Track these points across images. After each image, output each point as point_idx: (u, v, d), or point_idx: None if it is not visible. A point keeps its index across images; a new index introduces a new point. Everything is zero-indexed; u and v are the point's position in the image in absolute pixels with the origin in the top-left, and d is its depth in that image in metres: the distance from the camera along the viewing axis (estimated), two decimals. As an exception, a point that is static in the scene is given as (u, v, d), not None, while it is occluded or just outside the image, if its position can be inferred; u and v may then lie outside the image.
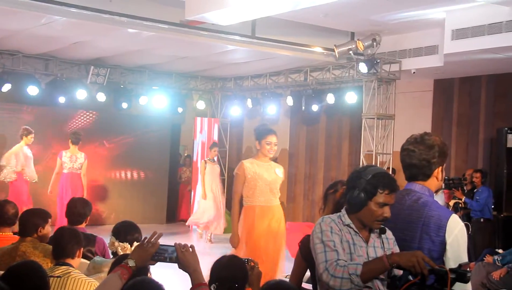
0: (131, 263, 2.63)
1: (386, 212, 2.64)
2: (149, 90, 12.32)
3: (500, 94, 9.67)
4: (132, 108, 12.33)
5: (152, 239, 2.66)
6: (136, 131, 13.08)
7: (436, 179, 2.95)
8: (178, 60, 10.91)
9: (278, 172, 5.86)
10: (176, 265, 2.67)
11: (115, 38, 9.10)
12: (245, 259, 3.09)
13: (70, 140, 10.11)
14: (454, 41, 8.10)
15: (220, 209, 11.38)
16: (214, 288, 2.79)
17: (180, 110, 12.96)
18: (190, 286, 2.65)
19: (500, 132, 8.73)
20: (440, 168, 2.95)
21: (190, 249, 2.67)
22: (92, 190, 11.94)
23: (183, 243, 2.68)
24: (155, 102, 12.31)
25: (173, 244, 2.67)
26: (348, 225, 2.68)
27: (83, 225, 4.73)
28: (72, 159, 9.99)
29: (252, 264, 3.02)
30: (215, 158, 11.63)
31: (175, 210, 13.92)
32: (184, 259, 2.63)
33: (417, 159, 2.90)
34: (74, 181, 9.95)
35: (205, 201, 11.19)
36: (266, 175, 5.74)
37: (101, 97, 11.62)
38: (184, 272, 2.67)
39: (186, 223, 11.85)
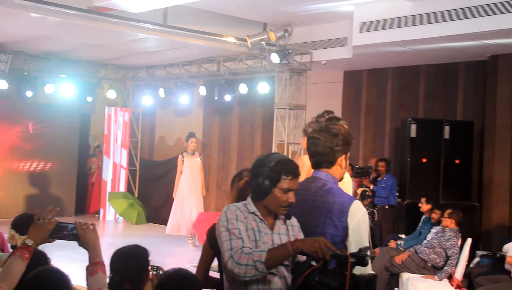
0: (29, 242, 2.52)
1: (291, 197, 2.67)
2: (56, 78, 11.87)
3: (404, 86, 10.07)
4: (38, 97, 11.83)
5: (49, 216, 2.58)
6: (43, 121, 12.57)
7: (340, 167, 3.02)
8: (87, 47, 10.57)
9: None
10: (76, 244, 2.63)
11: (18, 23, 8.66)
12: (155, 266, 3.04)
13: None
14: (362, 33, 8.34)
15: (200, 206, 10.14)
16: (109, 277, 2.73)
17: (89, 99, 12.60)
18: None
19: (405, 122, 9.08)
20: (344, 156, 3.01)
21: (91, 227, 2.63)
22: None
23: (83, 221, 2.64)
24: (63, 91, 11.87)
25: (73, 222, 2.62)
26: (253, 213, 2.68)
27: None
28: None
29: (161, 272, 2.98)
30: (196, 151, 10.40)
31: (84, 202, 13.54)
32: (84, 236, 2.60)
33: (322, 146, 2.96)
34: None
35: (184, 200, 10.02)
36: None
37: (2, 84, 11.08)
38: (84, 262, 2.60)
39: (167, 232, 10.24)
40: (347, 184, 4.23)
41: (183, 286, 2.58)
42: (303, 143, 5.19)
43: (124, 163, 13.16)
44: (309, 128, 5.29)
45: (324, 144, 2.95)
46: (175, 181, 10.21)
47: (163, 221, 12.40)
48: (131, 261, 2.87)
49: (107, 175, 12.92)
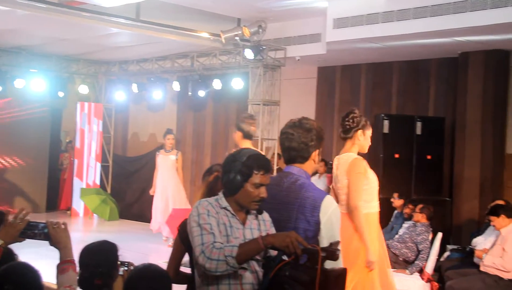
0: None
1: (263, 192, 2.67)
2: (27, 73, 11.66)
3: (377, 82, 10.15)
4: (7, 92, 11.62)
5: (20, 215, 2.56)
6: (13, 116, 12.36)
7: (313, 162, 3.04)
8: (58, 41, 10.41)
9: None
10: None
11: (-14, 16, 8.49)
12: (125, 262, 3.02)
13: None
14: (336, 29, 8.38)
15: (170, 205, 9.68)
16: (79, 274, 2.72)
17: (61, 94, 12.42)
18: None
19: (378, 118, 9.14)
20: (317, 151, 3.05)
21: (63, 226, 2.62)
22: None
23: (55, 221, 2.63)
24: (33, 86, 11.68)
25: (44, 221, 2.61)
26: (225, 208, 2.68)
27: None
28: None
29: (132, 268, 2.96)
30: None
31: (56, 198, 13.37)
32: (55, 235, 2.58)
33: (296, 142, 2.98)
34: None
35: (157, 198, 9.75)
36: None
37: (-30, 79, 10.88)
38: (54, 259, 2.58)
39: (154, 232, 9.97)
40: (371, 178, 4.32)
41: (153, 281, 2.57)
42: (235, 137, 5.29)
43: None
44: (242, 123, 5.42)
45: (299, 140, 2.97)
46: (153, 177, 9.98)
47: (136, 217, 12.34)
48: (100, 256, 2.87)
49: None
